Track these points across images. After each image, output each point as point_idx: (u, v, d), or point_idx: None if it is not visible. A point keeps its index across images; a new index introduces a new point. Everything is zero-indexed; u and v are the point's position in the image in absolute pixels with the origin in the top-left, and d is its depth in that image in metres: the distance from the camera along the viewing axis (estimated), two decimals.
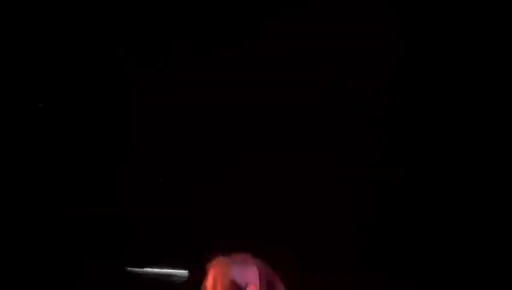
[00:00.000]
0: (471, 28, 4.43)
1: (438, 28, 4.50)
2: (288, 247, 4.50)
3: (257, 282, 2.71)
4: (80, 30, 4.98)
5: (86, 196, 5.06)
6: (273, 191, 4.76)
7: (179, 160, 4.98)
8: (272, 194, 4.74)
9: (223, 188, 4.83)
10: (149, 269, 5.29)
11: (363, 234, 4.64)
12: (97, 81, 5.06)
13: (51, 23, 4.98)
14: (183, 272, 5.13)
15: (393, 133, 4.67)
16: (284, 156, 4.74)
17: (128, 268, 5.28)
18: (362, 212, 4.66)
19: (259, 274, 2.72)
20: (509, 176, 4.45)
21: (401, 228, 4.62)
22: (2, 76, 5.06)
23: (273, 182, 4.77)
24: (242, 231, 4.53)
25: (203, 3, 4.85)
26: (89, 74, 5.05)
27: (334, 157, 4.74)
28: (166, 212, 5.02)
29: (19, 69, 5.05)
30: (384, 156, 4.67)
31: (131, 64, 4.98)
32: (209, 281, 2.77)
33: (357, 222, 4.66)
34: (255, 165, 4.76)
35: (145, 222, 5.06)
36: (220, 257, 2.77)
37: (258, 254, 2.78)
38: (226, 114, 4.82)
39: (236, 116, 4.80)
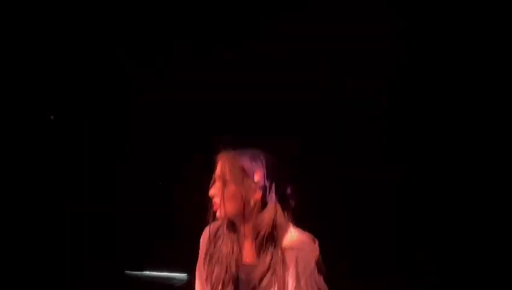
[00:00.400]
0: (471, 28, 4.43)
1: (438, 28, 4.50)
2: None
3: (264, 170, 2.76)
4: (80, 30, 4.99)
5: (86, 196, 5.07)
6: None
7: (179, 160, 4.97)
8: None
9: None
10: (148, 272, 5.27)
11: (363, 234, 4.63)
12: (97, 81, 5.07)
13: (51, 23, 4.99)
14: (183, 276, 5.11)
15: (393, 133, 4.66)
16: (283, 156, 4.73)
17: (127, 271, 5.27)
18: (362, 212, 4.65)
19: (266, 163, 2.77)
20: (509, 176, 4.45)
21: (401, 228, 4.62)
22: (1, 76, 5.06)
23: None
24: None
25: (203, 3, 4.86)
26: (89, 74, 5.06)
27: (334, 157, 4.74)
28: (166, 214, 5.01)
29: (18, 69, 5.06)
30: (384, 156, 4.66)
31: (131, 64, 4.99)
32: (217, 170, 2.81)
33: (357, 222, 4.65)
34: None
35: (144, 223, 5.05)
36: (228, 148, 2.82)
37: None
38: (226, 114, 4.82)
39: (236, 116, 4.79)
